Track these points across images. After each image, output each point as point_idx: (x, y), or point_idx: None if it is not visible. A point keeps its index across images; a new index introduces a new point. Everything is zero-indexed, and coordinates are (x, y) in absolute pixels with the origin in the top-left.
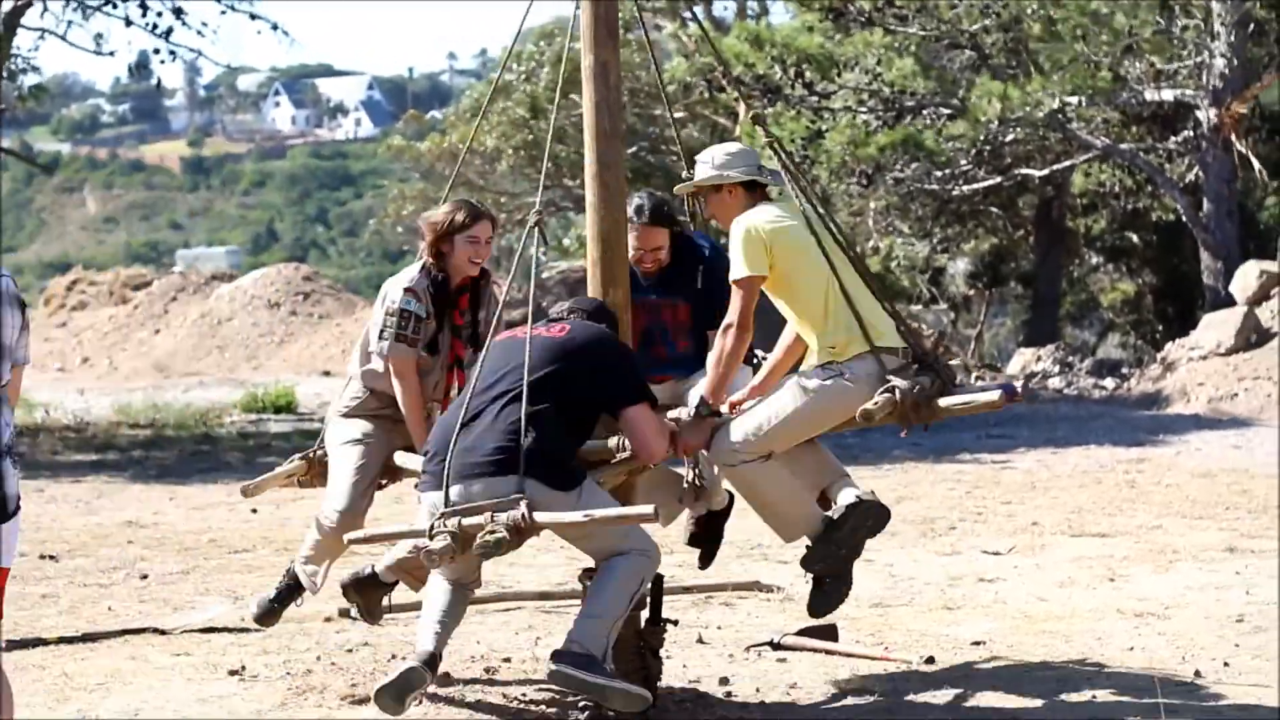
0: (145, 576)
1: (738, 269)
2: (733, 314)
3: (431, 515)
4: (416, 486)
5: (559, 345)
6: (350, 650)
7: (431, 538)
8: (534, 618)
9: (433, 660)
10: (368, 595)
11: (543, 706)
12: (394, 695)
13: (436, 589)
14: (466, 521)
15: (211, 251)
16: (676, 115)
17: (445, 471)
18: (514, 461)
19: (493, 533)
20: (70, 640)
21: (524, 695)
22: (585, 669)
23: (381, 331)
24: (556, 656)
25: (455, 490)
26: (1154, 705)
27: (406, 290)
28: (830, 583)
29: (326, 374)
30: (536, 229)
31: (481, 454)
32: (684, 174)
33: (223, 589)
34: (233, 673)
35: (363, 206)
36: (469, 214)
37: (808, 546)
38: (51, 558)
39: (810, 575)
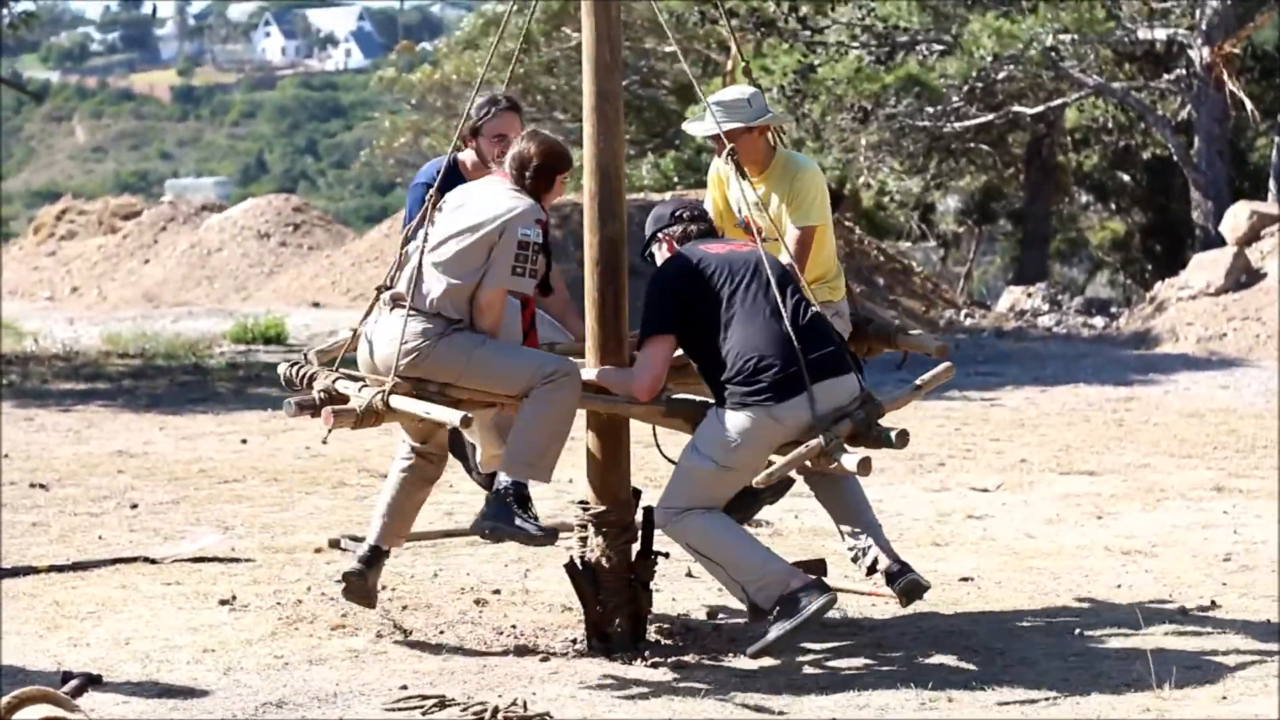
0: (135, 506)
1: (819, 216)
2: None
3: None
4: None
5: None
6: (340, 581)
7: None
8: (524, 550)
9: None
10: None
11: (532, 638)
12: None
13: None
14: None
15: (200, 182)
16: (668, 49)
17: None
18: None
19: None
20: (61, 569)
21: (513, 627)
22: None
23: None
24: None
25: None
26: (1140, 642)
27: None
28: None
29: (316, 305)
30: None
31: None
32: (690, 112)
33: (213, 519)
34: (223, 602)
35: (353, 138)
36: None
37: None
38: (42, 486)
39: None
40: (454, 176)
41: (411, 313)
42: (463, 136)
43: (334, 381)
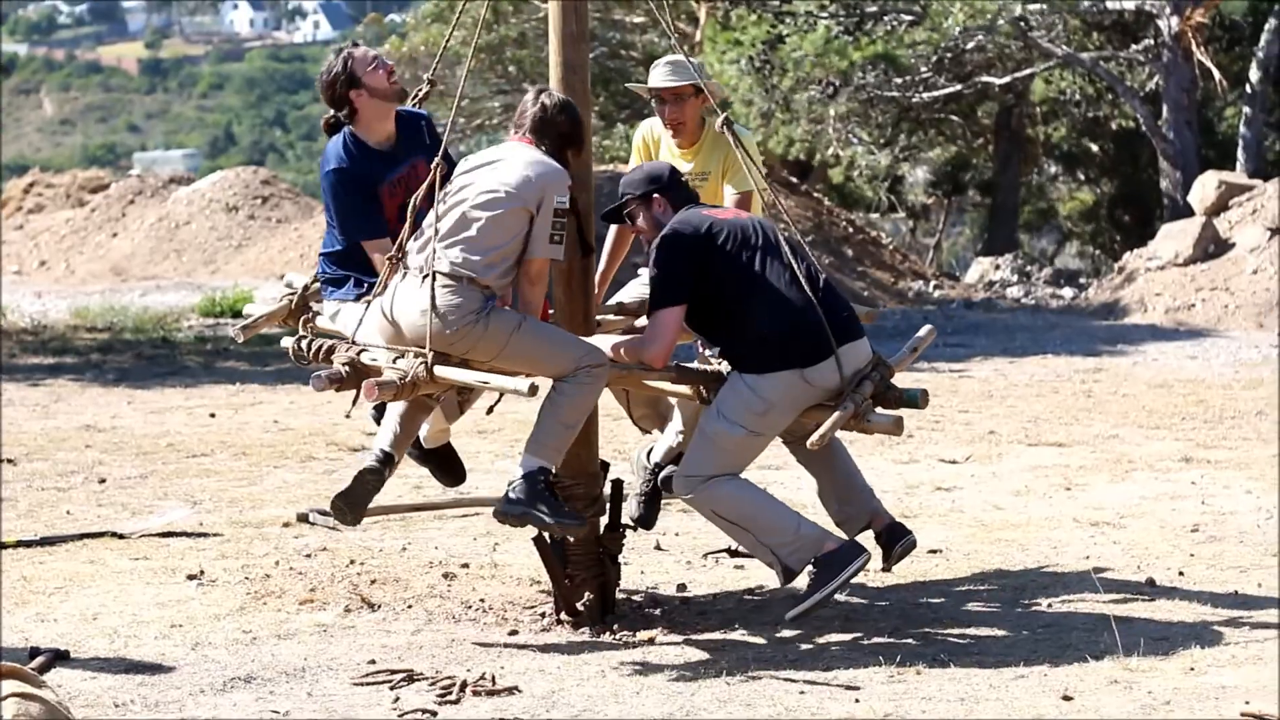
0: (103, 480)
1: (760, 180)
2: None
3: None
4: None
5: None
6: (309, 555)
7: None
8: (492, 524)
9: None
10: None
11: (500, 612)
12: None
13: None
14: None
15: (169, 155)
16: (636, 20)
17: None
18: None
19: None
20: (28, 544)
21: (482, 601)
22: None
23: None
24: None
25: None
26: (1108, 613)
27: None
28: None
29: (283, 278)
30: None
31: None
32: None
33: (181, 493)
34: (191, 577)
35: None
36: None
37: None
38: (9, 461)
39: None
40: (363, 149)
41: (448, 284)
42: (338, 101)
43: (359, 354)
